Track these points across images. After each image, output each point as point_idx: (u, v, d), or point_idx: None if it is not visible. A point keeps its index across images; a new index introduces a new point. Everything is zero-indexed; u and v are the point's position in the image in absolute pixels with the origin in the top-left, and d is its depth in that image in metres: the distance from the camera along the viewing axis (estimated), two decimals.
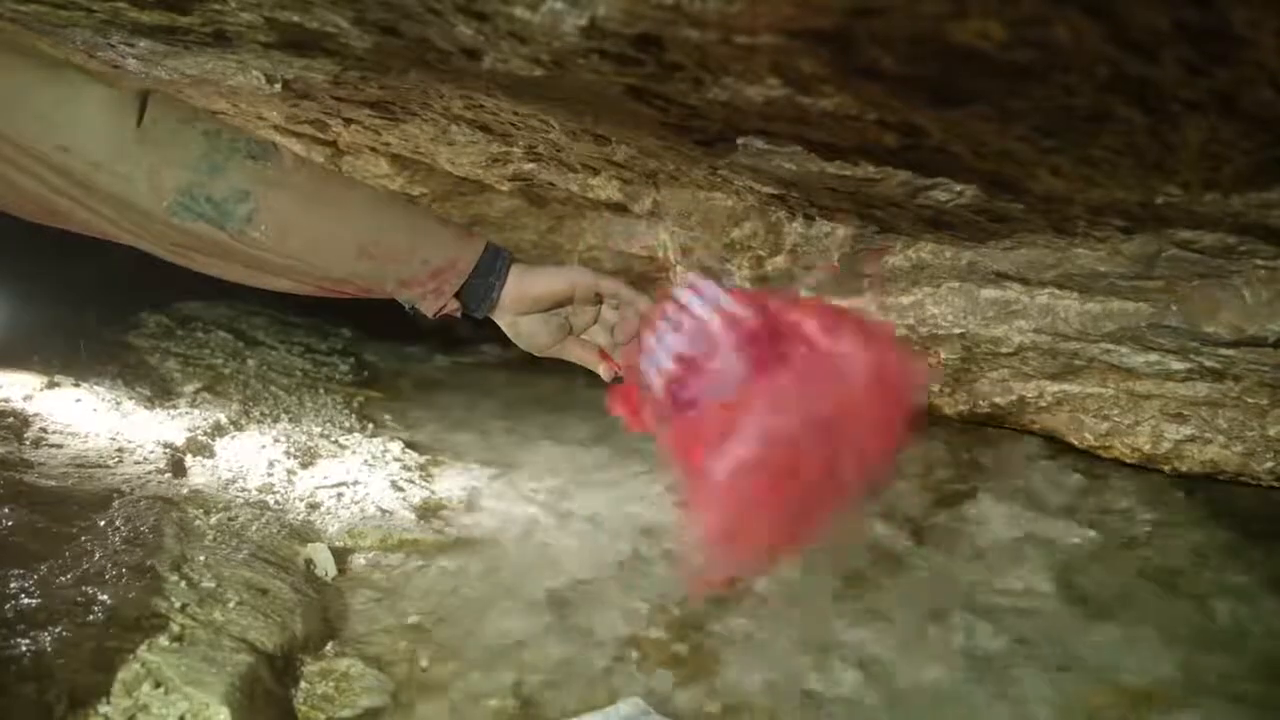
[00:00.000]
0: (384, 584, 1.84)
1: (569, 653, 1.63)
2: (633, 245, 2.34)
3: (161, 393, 2.78)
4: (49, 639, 1.29)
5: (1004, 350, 1.97)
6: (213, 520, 1.87)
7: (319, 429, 2.77)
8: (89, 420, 2.34)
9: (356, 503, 2.20)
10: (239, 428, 2.63)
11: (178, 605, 1.47)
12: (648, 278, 2.36)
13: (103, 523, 1.71)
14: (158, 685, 1.26)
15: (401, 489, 2.33)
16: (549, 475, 2.55)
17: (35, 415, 2.27)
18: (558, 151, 1.78)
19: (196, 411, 2.65)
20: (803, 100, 0.99)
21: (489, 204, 2.41)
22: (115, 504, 1.81)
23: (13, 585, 1.42)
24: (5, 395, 2.36)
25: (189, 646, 1.36)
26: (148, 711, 1.22)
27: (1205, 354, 1.68)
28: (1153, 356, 1.78)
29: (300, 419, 2.85)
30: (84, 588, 1.45)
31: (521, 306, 0.95)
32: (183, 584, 1.54)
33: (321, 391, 3.23)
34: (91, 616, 1.38)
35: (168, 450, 2.24)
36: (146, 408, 2.58)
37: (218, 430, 2.53)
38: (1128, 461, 2.28)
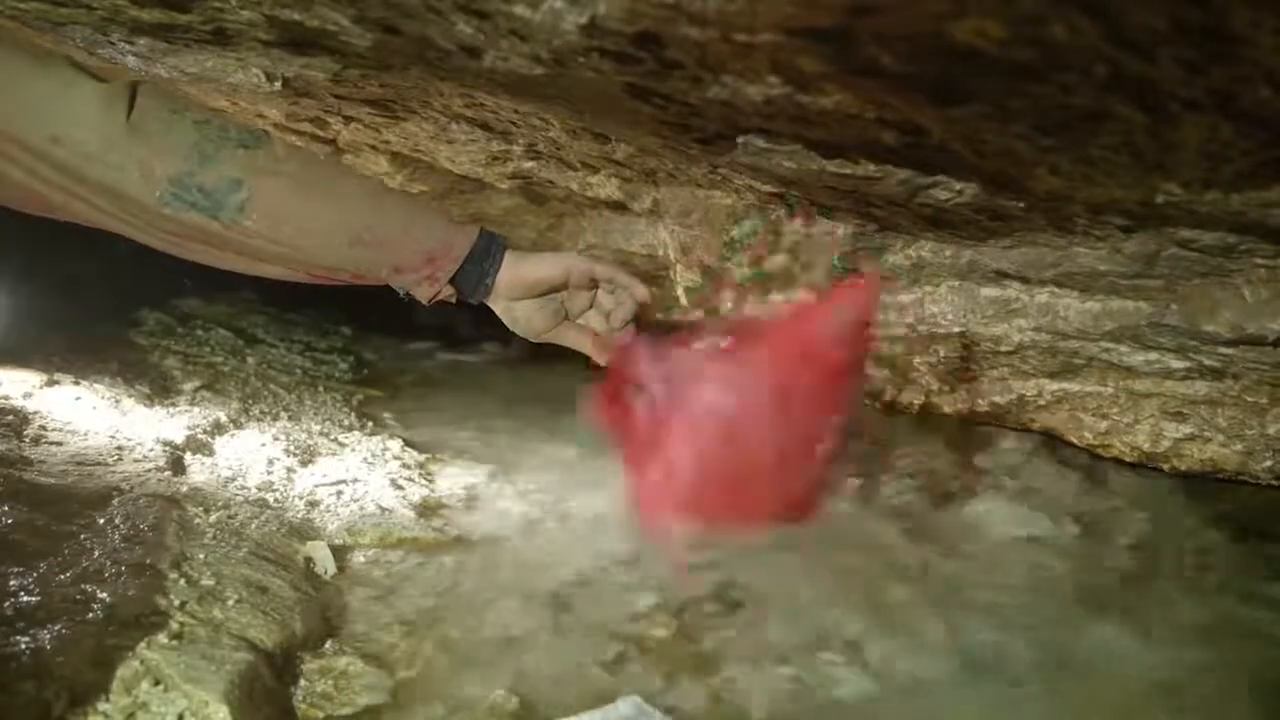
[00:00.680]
0: (383, 582, 1.84)
1: (568, 651, 1.63)
2: (632, 244, 2.34)
3: (161, 390, 2.78)
4: (48, 636, 1.29)
5: (1003, 349, 1.97)
6: (212, 518, 1.87)
7: (319, 427, 2.77)
8: (88, 418, 2.34)
9: (356, 501, 2.20)
10: (239, 426, 2.63)
11: (177, 603, 1.47)
12: (648, 276, 2.36)
13: (102, 520, 1.71)
14: (157, 683, 1.26)
15: (401, 487, 2.33)
16: (549, 473, 2.55)
17: (35, 413, 2.27)
18: (557, 150, 1.78)
19: (196, 409, 2.66)
20: (802, 98, 0.99)
21: (488, 202, 2.41)
22: (115, 502, 1.81)
23: (12, 583, 1.42)
24: (4, 393, 2.36)
25: (188, 644, 1.36)
26: (147, 709, 1.22)
27: (1205, 353, 1.68)
28: (1152, 355, 1.78)
29: (300, 417, 2.85)
30: (83, 585, 1.45)
31: (516, 292, 0.94)
32: (182, 582, 1.54)
33: (321, 389, 3.23)
34: (91, 614, 1.38)
35: (167, 448, 2.24)
36: (146, 405, 2.58)
37: (217, 428, 2.54)
38: (1127, 460, 2.28)
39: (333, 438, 2.69)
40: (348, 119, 1.91)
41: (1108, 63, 0.77)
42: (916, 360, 2.28)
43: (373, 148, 2.16)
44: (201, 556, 1.66)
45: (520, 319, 0.97)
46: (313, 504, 2.14)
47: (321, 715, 1.39)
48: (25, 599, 1.39)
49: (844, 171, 1.27)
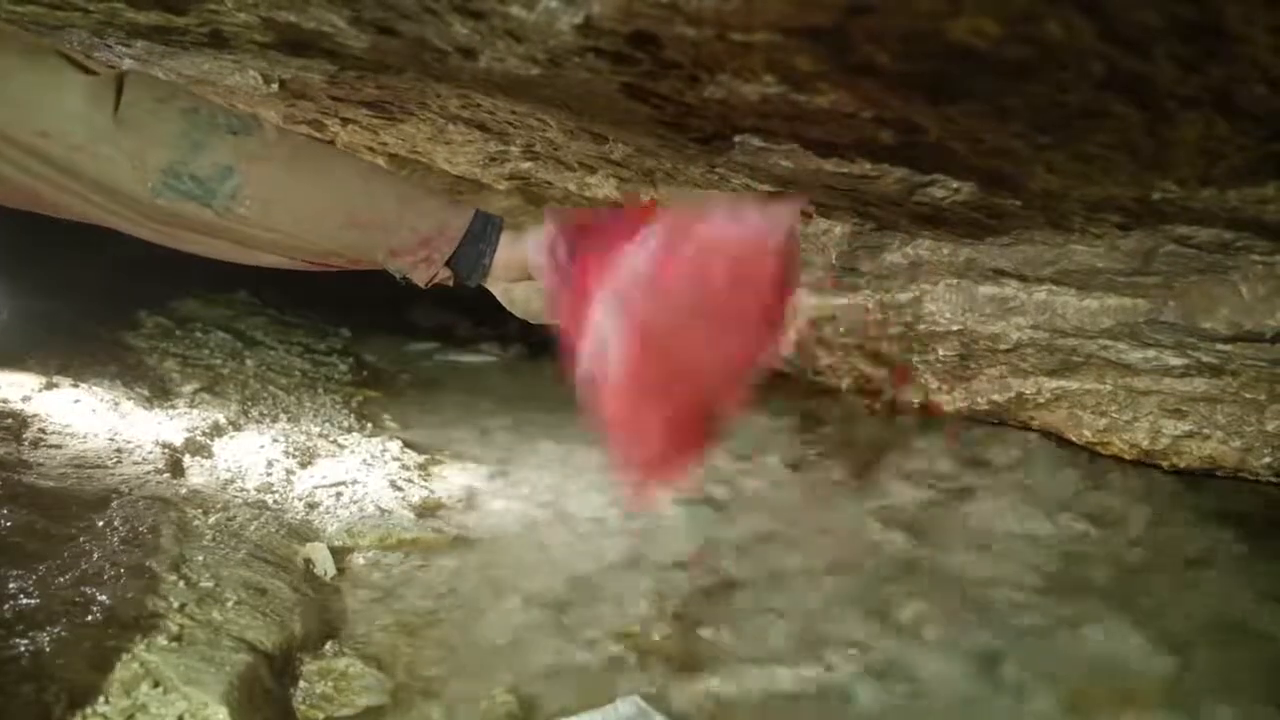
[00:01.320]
0: (383, 583, 1.84)
1: (568, 651, 1.63)
2: None
3: (160, 393, 2.78)
4: (47, 639, 1.29)
5: (1002, 347, 1.97)
6: (211, 520, 1.87)
7: (318, 429, 2.77)
8: (87, 420, 2.34)
9: (355, 502, 2.20)
10: (237, 428, 2.63)
11: (176, 605, 1.47)
12: None
13: (101, 523, 1.71)
14: (156, 685, 1.26)
15: (400, 488, 2.33)
16: (548, 474, 2.55)
17: (34, 416, 2.27)
18: (555, 150, 1.78)
19: (195, 412, 2.65)
20: (799, 98, 0.99)
21: (486, 203, 2.41)
22: (114, 504, 1.81)
23: (11, 585, 1.42)
24: (3, 396, 2.36)
25: (187, 646, 1.36)
26: (146, 711, 1.22)
27: (1203, 349, 1.68)
28: (1150, 352, 1.78)
29: (299, 419, 2.85)
30: (82, 588, 1.45)
31: (514, 273, 0.93)
32: (181, 584, 1.54)
33: (320, 391, 3.23)
34: (90, 616, 1.38)
35: (166, 450, 2.24)
36: (145, 408, 2.57)
37: (216, 430, 2.53)
38: (1126, 457, 2.29)
39: (332, 439, 2.69)
40: (345, 121, 1.91)
41: (1104, 60, 0.77)
42: (915, 359, 2.28)
43: (370, 149, 2.16)
44: (201, 558, 1.66)
45: (518, 301, 0.96)
46: (312, 506, 2.14)
47: (321, 716, 1.38)
48: (25, 601, 1.39)
49: (841, 170, 1.28)
